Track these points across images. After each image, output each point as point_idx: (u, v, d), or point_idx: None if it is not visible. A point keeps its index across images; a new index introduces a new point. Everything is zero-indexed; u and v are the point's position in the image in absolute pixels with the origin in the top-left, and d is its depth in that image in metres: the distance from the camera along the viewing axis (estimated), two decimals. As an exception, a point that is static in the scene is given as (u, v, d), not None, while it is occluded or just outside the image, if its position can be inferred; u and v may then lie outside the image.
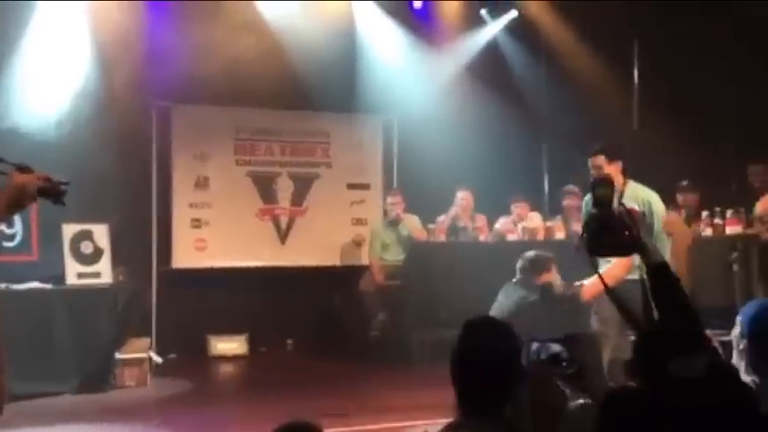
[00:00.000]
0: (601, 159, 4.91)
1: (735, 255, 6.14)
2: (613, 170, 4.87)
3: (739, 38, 6.76)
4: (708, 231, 6.33)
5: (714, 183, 6.26)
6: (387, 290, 7.39)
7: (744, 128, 6.96)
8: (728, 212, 6.35)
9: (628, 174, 4.80)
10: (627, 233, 2.06)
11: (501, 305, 4.53)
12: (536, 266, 4.62)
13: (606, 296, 2.89)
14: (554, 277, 4.61)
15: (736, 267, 6.14)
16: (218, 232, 7.84)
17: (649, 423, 1.55)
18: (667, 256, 4.71)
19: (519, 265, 4.66)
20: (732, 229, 6.24)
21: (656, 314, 2.09)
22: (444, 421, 1.91)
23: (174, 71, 7.23)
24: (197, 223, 7.82)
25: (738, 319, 2.37)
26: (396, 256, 7.52)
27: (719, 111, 7.12)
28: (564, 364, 1.69)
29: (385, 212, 7.80)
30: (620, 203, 2.19)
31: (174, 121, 7.77)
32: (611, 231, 2.07)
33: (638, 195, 4.70)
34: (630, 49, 7.57)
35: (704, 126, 7.17)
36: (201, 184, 7.86)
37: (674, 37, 7.09)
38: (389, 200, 7.63)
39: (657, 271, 2.08)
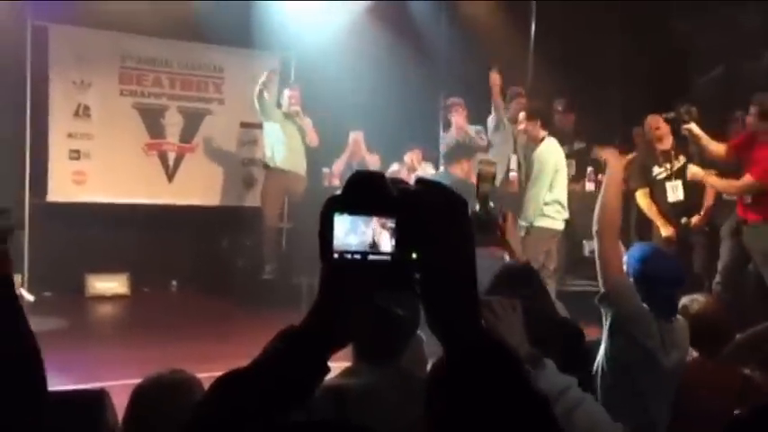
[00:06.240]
0: (522, 117, 5.37)
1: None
2: (532, 127, 5.31)
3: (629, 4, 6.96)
4: (591, 186, 6.58)
5: (600, 140, 6.46)
6: (281, 233, 7.27)
7: (630, 89, 7.22)
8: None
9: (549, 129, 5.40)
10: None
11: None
12: (456, 153, 4.86)
13: None
14: (467, 170, 4.83)
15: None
16: (99, 166, 7.41)
17: None
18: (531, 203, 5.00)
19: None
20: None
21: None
22: (339, 366, 1.87)
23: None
24: (76, 155, 7.35)
25: (624, 258, 2.53)
26: (292, 156, 7.19)
27: (608, 72, 7.35)
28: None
29: (279, 105, 7.36)
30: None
31: (52, 44, 7.20)
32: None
33: (537, 150, 5.26)
34: (529, 5, 7.64)
35: (593, 85, 7.40)
36: (82, 113, 7.37)
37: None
38: (287, 92, 7.31)
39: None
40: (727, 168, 5.31)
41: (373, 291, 0.92)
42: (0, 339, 1.53)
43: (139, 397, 1.86)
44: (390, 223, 0.88)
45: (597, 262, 2.44)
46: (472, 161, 5.19)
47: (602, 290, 2.42)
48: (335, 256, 0.89)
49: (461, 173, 4.96)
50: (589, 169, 6.56)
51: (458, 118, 6.80)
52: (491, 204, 2.27)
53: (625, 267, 2.48)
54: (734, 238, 5.12)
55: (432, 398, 0.90)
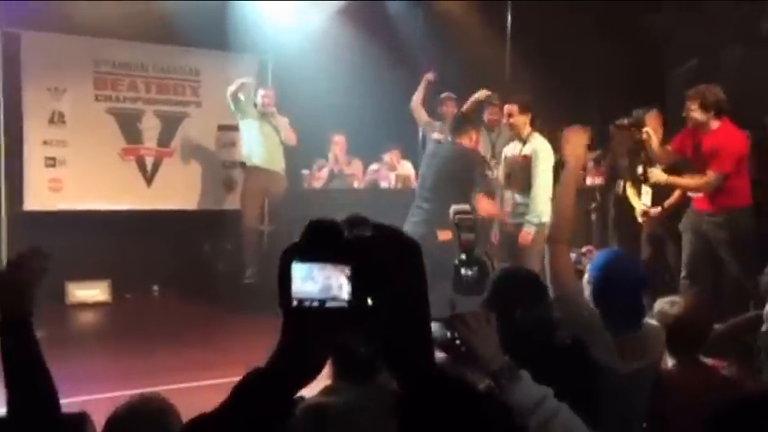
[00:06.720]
0: (513, 108, 5.25)
1: (593, 205, 6.50)
2: (520, 121, 5.23)
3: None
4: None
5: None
6: (262, 235, 7.26)
7: (610, 83, 7.26)
8: (589, 164, 6.66)
9: (534, 127, 5.31)
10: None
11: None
12: (464, 123, 4.93)
13: None
14: (475, 139, 4.93)
15: (593, 216, 6.52)
16: (76, 172, 7.35)
17: None
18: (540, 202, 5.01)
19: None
20: (592, 181, 6.56)
21: None
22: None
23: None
24: (51, 162, 7.29)
25: (588, 267, 2.52)
26: (269, 154, 7.19)
27: (585, 70, 7.39)
28: (457, 343, 1.68)
29: (255, 105, 7.36)
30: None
31: (25, 51, 7.11)
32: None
33: (533, 145, 5.22)
34: (504, 4, 7.67)
35: (570, 84, 7.43)
36: (57, 120, 7.30)
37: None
38: (261, 92, 7.32)
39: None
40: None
41: (332, 336, 0.96)
42: (21, 374, 1.61)
43: (112, 427, 1.85)
44: (347, 270, 0.92)
45: (548, 268, 2.36)
46: (480, 131, 5.23)
47: (552, 295, 2.32)
48: (294, 303, 0.93)
49: (469, 143, 5.00)
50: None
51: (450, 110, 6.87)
52: (478, 252, 2.31)
53: (587, 276, 2.43)
54: (693, 230, 5.06)
55: (402, 422, 0.95)
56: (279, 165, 7.23)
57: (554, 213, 2.43)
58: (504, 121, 5.46)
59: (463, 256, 2.38)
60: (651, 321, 2.46)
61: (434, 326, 1.67)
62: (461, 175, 4.91)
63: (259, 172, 7.16)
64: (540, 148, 5.21)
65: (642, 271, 2.52)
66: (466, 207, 4.51)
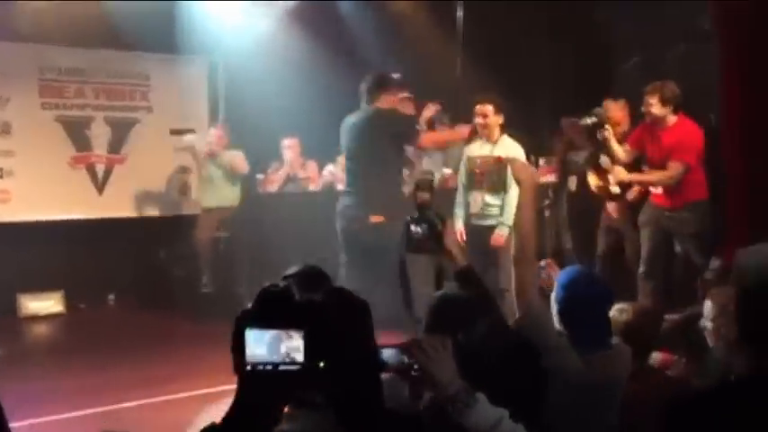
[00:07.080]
0: (488, 109, 5.18)
1: (546, 202, 6.60)
2: (494, 122, 5.18)
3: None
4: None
5: (528, 132, 6.57)
6: (218, 241, 7.21)
7: (559, 82, 7.35)
8: (541, 161, 6.75)
9: (505, 130, 5.27)
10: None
11: None
12: (376, 86, 4.96)
13: None
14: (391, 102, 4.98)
15: (547, 213, 6.62)
16: (24, 183, 7.20)
17: None
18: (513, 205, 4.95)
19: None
20: (544, 178, 6.65)
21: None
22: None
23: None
24: (-2, 173, 7.12)
25: (555, 284, 2.57)
26: (220, 194, 7.22)
27: (537, 65, 7.46)
28: (414, 369, 1.70)
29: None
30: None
31: (-35, 60, 6.92)
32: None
33: (506, 148, 5.20)
34: (456, 4, 7.70)
35: (521, 78, 7.50)
36: (2, 130, 7.13)
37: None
38: (213, 132, 7.35)
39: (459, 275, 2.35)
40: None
41: (287, 396, 1.00)
42: None
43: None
44: (299, 334, 0.95)
45: (514, 286, 2.39)
46: (395, 97, 5.12)
47: (518, 314, 2.34)
48: (248, 368, 0.96)
49: (387, 106, 4.95)
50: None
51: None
52: (430, 212, 2.36)
53: (554, 295, 2.47)
54: (653, 225, 5.16)
55: None
56: (230, 200, 7.25)
57: (517, 235, 2.47)
58: (480, 121, 5.27)
59: (415, 214, 2.43)
60: (619, 344, 2.47)
61: (391, 351, 1.68)
62: (382, 135, 4.79)
63: (214, 211, 7.22)
64: (516, 153, 5.11)
65: (605, 289, 2.52)
66: (428, 169, 4.55)
